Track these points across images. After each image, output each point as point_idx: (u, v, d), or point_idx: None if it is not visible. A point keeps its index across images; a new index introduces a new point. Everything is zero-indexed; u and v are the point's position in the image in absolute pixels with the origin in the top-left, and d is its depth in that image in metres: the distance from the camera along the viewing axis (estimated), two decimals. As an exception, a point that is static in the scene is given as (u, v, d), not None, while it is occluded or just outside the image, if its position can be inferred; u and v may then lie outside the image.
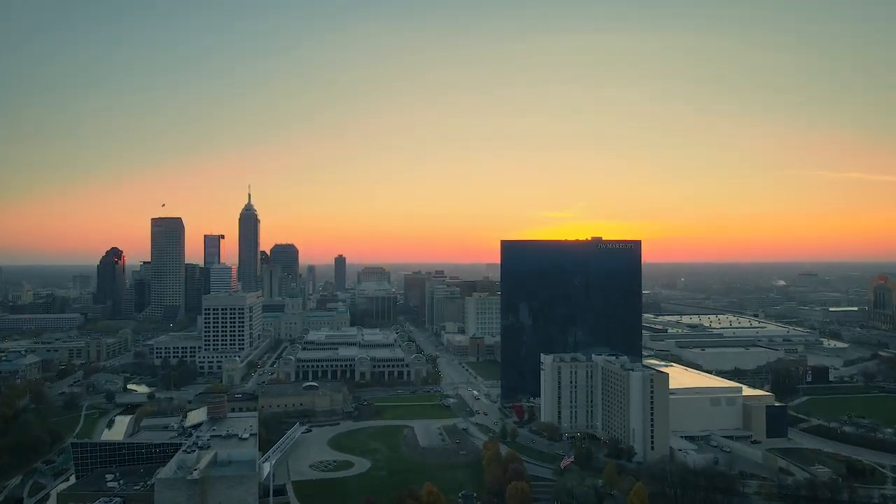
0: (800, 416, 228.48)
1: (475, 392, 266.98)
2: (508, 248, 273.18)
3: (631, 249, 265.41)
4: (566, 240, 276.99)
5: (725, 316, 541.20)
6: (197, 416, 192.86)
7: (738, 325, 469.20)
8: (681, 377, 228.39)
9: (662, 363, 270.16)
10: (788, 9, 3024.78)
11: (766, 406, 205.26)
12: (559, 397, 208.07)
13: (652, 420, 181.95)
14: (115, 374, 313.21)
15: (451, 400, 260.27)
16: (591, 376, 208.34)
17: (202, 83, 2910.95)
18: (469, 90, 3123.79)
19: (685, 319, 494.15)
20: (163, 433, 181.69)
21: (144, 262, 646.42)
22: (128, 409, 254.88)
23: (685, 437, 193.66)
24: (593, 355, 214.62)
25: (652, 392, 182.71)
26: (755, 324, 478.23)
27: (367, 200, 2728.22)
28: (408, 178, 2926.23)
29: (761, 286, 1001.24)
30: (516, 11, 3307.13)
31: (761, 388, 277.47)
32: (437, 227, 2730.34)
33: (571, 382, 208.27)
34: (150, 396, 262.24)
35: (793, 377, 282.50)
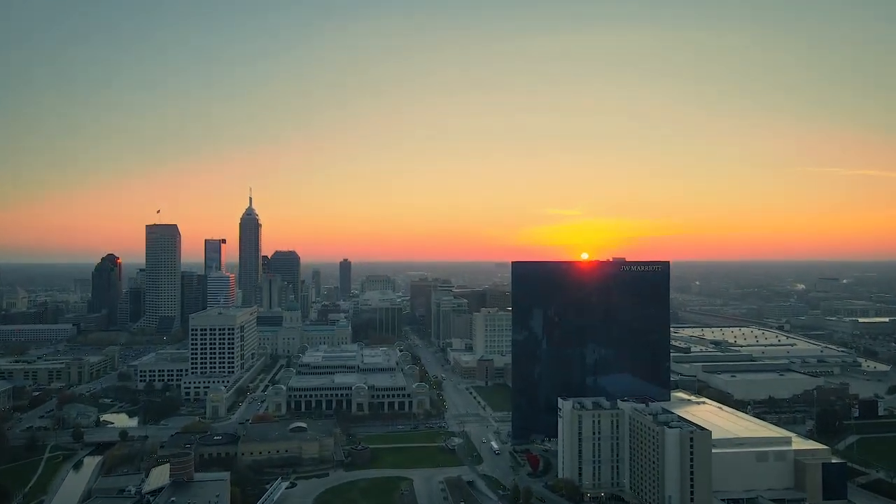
0: (855, 466, 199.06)
1: (493, 442, 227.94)
2: (520, 269, 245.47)
3: (658, 272, 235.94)
4: (584, 261, 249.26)
5: (749, 329, 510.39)
6: (160, 475, 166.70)
7: (764, 340, 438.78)
8: (717, 420, 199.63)
9: (693, 397, 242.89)
10: (801, 5, 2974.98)
11: (823, 462, 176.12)
12: (580, 450, 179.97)
13: (692, 487, 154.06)
14: (91, 403, 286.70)
15: (457, 440, 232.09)
16: (618, 426, 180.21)
17: (203, 84, 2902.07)
18: (474, 89, 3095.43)
19: (707, 334, 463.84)
20: (116, 501, 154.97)
21: (140, 270, 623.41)
22: (99, 447, 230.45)
23: (728, 500, 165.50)
24: (619, 401, 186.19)
25: (692, 453, 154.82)
26: (783, 339, 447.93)
27: (374, 200, 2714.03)
28: (414, 177, 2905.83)
29: (779, 291, 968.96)
30: (521, 10, 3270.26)
31: (802, 423, 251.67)
32: (444, 225, 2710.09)
33: (594, 433, 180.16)
34: (123, 435, 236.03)
35: (837, 412, 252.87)
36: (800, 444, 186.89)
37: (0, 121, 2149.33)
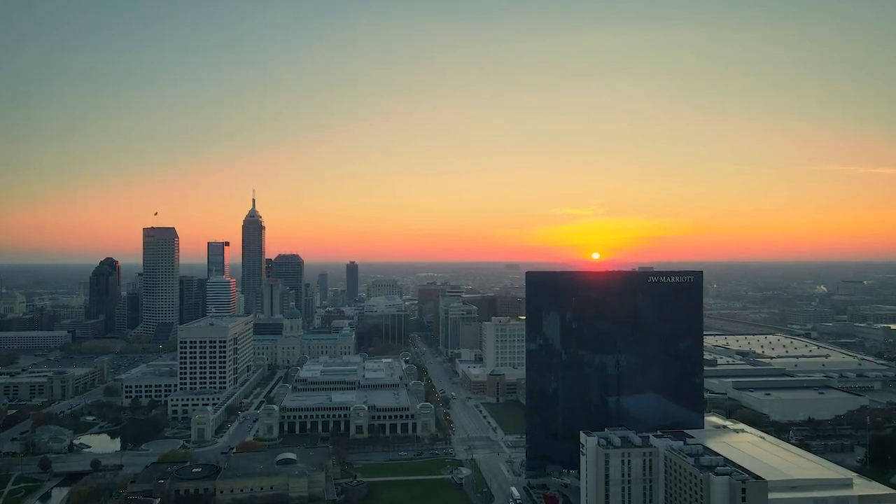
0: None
1: (513, 487, 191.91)
2: (535, 279, 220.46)
3: (690, 285, 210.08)
4: (606, 271, 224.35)
5: (776, 337, 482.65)
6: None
7: (794, 351, 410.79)
8: (762, 455, 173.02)
9: (730, 423, 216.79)
10: (811, 3, 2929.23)
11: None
12: (606, 494, 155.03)
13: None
14: (71, 423, 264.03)
15: (465, 471, 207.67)
16: (650, 467, 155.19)
17: (205, 84, 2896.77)
18: (483, 89, 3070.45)
19: (731, 342, 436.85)
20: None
21: (139, 274, 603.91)
22: (70, 477, 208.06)
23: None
24: (651, 437, 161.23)
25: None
26: (814, 349, 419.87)
27: (382, 201, 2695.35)
28: (423, 177, 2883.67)
29: (801, 294, 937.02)
30: (528, 11, 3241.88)
31: (851, 451, 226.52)
32: (454, 225, 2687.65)
33: (623, 475, 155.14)
34: (94, 464, 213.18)
35: (890, 438, 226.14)
36: (863, 487, 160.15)
37: (0, 121, 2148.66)
